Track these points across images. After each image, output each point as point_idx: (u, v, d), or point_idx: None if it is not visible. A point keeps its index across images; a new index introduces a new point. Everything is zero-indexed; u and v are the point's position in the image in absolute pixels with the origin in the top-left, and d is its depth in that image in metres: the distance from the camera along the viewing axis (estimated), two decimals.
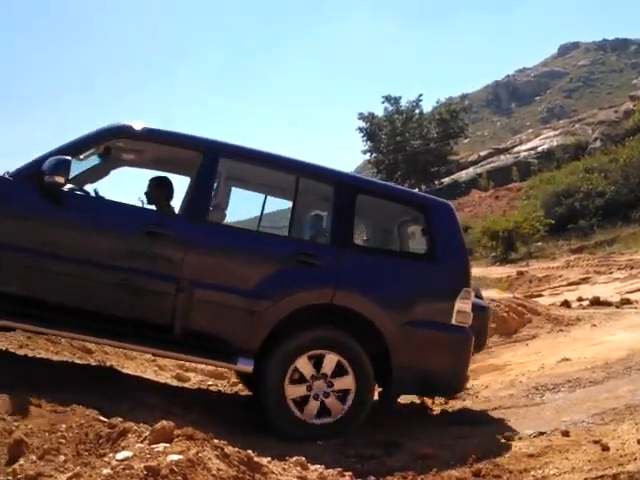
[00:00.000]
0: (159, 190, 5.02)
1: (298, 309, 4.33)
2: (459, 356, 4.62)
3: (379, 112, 35.34)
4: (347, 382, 4.31)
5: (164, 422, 2.86)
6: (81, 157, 4.70)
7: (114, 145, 4.88)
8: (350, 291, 4.43)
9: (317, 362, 4.31)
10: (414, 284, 4.66)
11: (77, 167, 4.80)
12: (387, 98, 35.28)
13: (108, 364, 5.95)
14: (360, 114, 34.76)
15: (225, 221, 4.98)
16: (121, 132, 4.64)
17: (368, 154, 35.62)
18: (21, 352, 5.22)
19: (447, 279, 4.65)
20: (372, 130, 34.59)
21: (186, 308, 4.20)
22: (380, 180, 6.00)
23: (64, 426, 3.16)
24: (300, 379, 4.29)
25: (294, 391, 4.27)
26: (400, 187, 5.40)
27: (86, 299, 4.23)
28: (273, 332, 4.30)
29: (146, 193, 5.06)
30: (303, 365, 4.27)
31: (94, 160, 5.13)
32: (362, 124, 34.88)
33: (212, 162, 4.47)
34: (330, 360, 4.29)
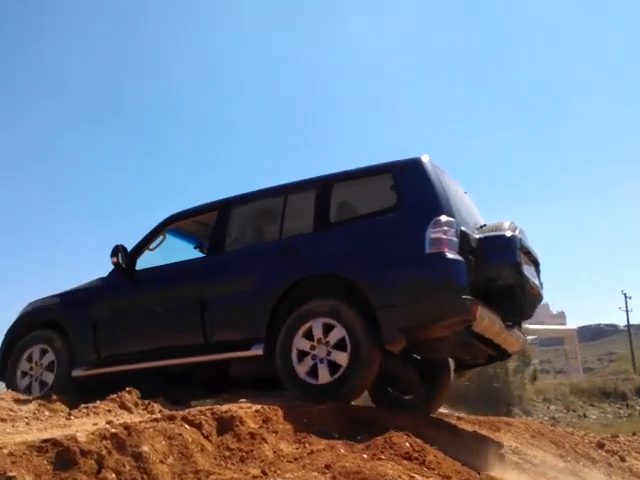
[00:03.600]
0: None
1: (288, 289, 5.05)
2: (440, 279, 4.68)
3: None
4: (342, 357, 4.69)
5: None
6: (151, 247, 6.18)
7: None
8: (323, 259, 5.07)
9: (327, 330, 4.80)
10: (381, 232, 4.97)
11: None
12: None
13: None
14: None
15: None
16: (169, 220, 6.18)
17: None
18: None
19: (414, 215, 4.88)
20: None
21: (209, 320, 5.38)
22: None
23: None
24: (310, 337, 4.84)
25: (301, 343, 4.85)
26: (371, 165, 5.47)
27: (152, 340, 5.70)
28: (280, 316, 5.02)
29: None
30: (315, 328, 4.83)
31: None
32: None
33: (227, 212, 5.80)
34: (337, 331, 4.75)
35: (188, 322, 5.51)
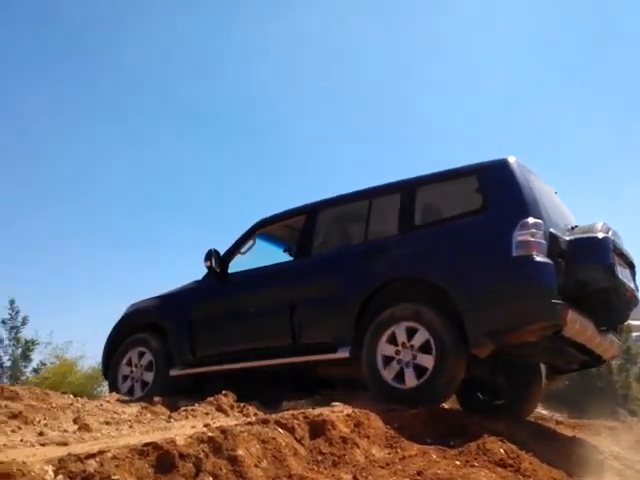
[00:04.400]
0: None
1: (373, 292, 5.11)
2: (528, 282, 4.54)
3: None
4: (427, 360, 4.67)
5: None
6: (242, 251, 6.35)
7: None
8: (407, 262, 5.08)
9: (411, 334, 4.82)
10: (467, 234, 4.91)
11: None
12: None
13: None
14: None
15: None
16: (259, 224, 6.35)
17: None
18: None
19: (500, 217, 4.80)
20: None
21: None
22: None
23: None
24: (394, 342, 4.86)
25: (386, 349, 4.88)
26: (456, 167, 5.36)
27: (244, 341, 5.87)
28: (366, 319, 5.07)
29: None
30: (398, 332, 4.86)
31: None
32: None
33: (314, 216, 5.93)
34: (420, 335, 4.76)
35: (277, 324, 5.64)
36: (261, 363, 5.69)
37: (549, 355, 5.18)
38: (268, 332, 5.72)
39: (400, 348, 4.84)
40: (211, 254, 6.16)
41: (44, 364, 15.51)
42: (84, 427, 3.50)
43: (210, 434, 3.18)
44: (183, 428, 3.74)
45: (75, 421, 3.73)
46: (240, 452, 3.15)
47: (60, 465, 2.73)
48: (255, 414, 4.49)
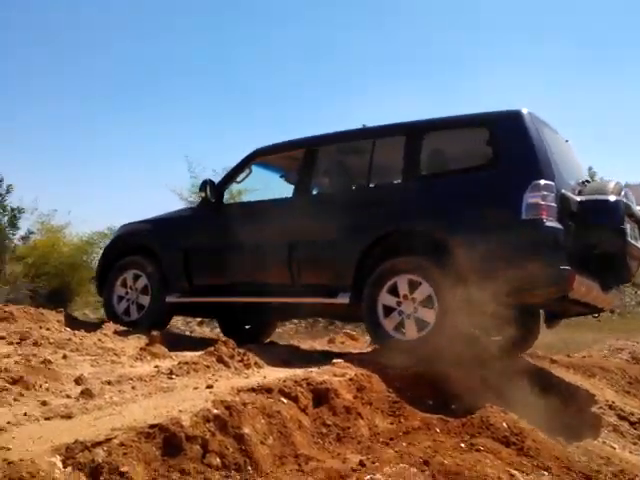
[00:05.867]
0: None
1: (376, 241, 4.98)
2: (537, 248, 4.43)
3: None
4: (429, 314, 4.66)
5: None
6: (238, 180, 6.25)
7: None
8: (412, 214, 4.92)
9: (413, 287, 4.76)
10: (476, 191, 4.72)
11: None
12: None
13: None
14: None
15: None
16: (256, 153, 6.06)
17: None
18: None
19: (511, 176, 4.60)
20: None
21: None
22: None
23: None
24: (395, 293, 4.82)
25: (387, 299, 4.84)
26: (467, 114, 5.08)
27: (241, 275, 5.71)
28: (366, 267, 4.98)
29: None
30: (401, 284, 4.79)
31: None
32: None
33: (314, 151, 5.65)
34: (423, 289, 4.70)
35: (275, 262, 5.54)
36: (261, 300, 5.64)
37: (551, 308, 5.16)
38: (266, 269, 5.60)
39: (401, 300, 4.80)
40: (206, 184, 5.97)
41: (32, 232, 15.64)
42: (86, 392, 3.45)
43: (215, 412, 3.15)
44: (186, 390, 3.70)
45: (77, 382, 3.69)
46: (246, 430, 3.14)
47: (68, 455, 2.70)
48: (256, 363, 4.48)
